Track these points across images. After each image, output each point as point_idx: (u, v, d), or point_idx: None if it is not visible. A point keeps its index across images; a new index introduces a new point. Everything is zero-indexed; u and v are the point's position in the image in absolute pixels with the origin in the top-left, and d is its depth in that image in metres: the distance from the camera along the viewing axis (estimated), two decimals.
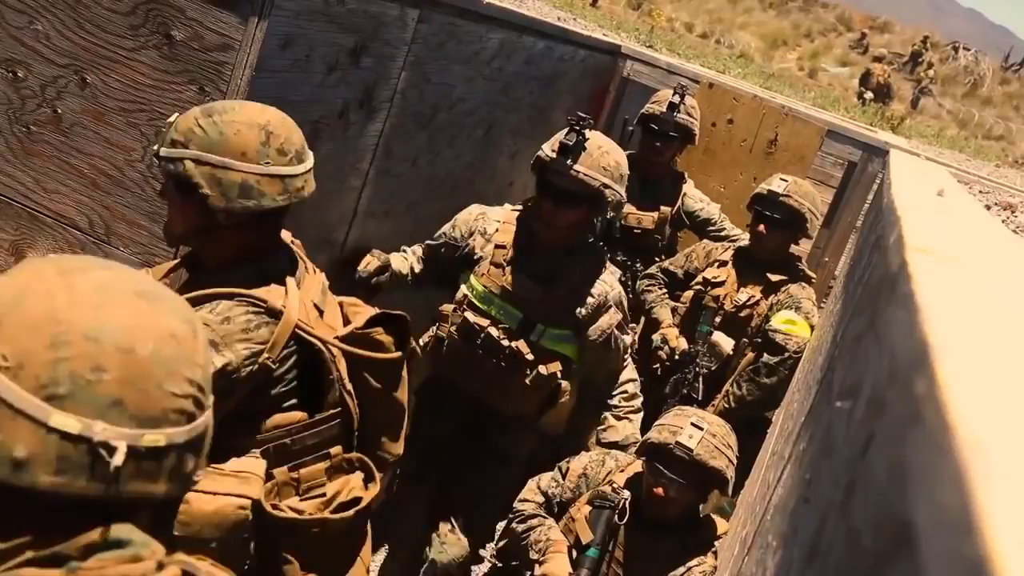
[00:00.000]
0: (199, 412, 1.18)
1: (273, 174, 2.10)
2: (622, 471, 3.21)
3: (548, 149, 3.16)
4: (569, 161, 3.08)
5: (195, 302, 2.01)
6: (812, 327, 4.11)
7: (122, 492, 1.10)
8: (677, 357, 4.26)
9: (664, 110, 4.64)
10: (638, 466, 3.16)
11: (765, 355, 4.12)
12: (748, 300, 4.25)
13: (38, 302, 1.08)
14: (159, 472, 1.13)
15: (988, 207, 9.73)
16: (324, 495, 2.25)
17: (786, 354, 4.05)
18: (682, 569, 3.00)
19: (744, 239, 4.59)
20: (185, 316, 1.20)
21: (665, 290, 4.52)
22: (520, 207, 3.34)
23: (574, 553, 3.08)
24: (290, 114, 2.52)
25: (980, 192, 10.40)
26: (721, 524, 3.14)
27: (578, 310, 3.22)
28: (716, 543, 3.05)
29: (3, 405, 1.05)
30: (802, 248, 4.65)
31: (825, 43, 30.40)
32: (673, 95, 4.66)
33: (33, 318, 1.07)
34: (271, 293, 2.15)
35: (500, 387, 3.28)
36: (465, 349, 3.25)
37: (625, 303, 3.39)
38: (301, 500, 2.21)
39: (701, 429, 2.98)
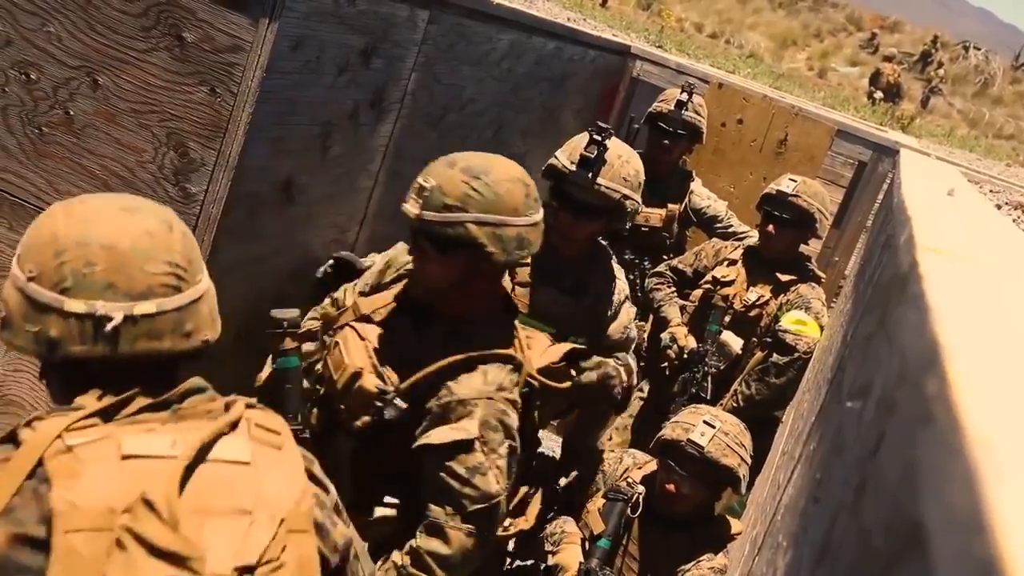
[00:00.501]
0: (184, 285, 1.56)
1: (535, 222, 2.37)
2: (639, 468, 3.23)
3: (566, 160, 3.04)
4: (591, 175, 2.97)
5: (461, 366, 2.32)
6: (822, 327, 4.10)
7: (133, 350, 1.49)
8: (686, 356, 4.26)
9: (672, 108, 4.64)
10: (655, 465, 3.18)
11: (775, 355, 4.12)
12: (758, 300, 4.25)
13: (47, 228, 1.52)
14: (160, 332, 1.52)
15: (999, 206, 9.69)
16: None
17: (796, 355, 4.04)
18: (691, 564, 3.01)
19: (752, 236, 4.58)
20: (162, 218, 1.59)
21: (674, 289, 4.52)
22: None
23: (587, 545, 3.10)
24: (301, 115, 2.54)
25: (991, 191, 10.37)
26: (735, 524, 3.14)
27: (607, 314, 3.17)
28: (729, 544, 3.05)
29: (33, 304, 1.48)
30: (812, 248, 4.64)
31: (835, 43, 30.31)
32: (681, 93, 4.67)
33: (43, 238, 1.51)
34: (514, 346, 2.44)
35: None
36: None
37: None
38: None
39: (713, 427, 3.00)
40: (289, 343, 2.11)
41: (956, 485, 0.46)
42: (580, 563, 3.03)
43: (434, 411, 2.31)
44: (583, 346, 2.79)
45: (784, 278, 4.24)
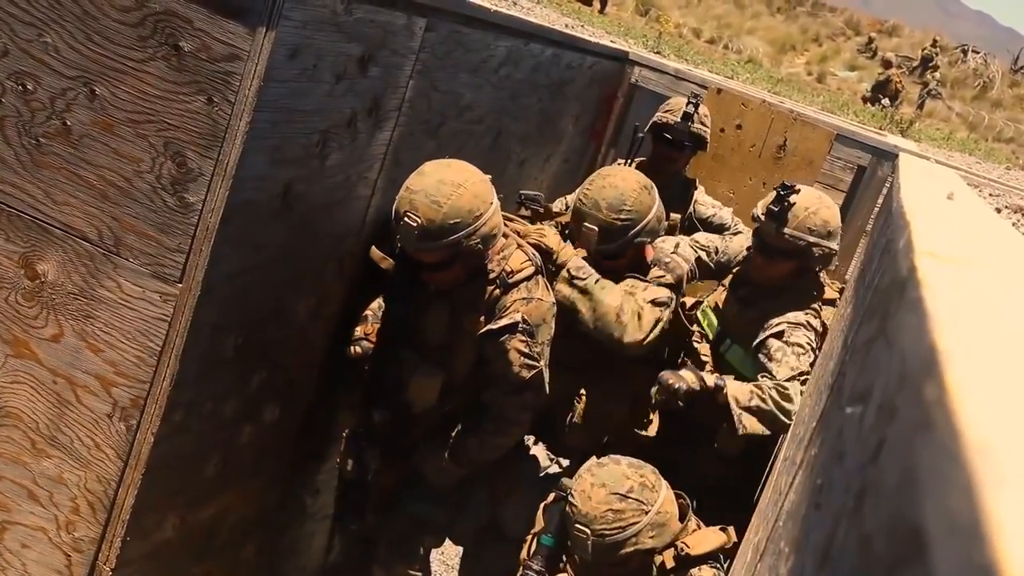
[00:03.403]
0: None
1: None
2: None
3: (759, 210, 3.74)
4: (777, 226, 3.68)
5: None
6: None
7: None
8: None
9: (679, 119, 4.64)
10: None
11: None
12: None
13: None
14: None
15: (999, 210, 9.69)
16: None
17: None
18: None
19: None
20: None
21: None
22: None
23: (533, 542, 3.09)
24: (298, 124, 2.53)
25: (990, 195, 10.37)
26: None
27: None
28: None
29: None
30: None
31: (833, 47, 30.36)
32: (687, 104, 4.66)
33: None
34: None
35: None
36: None
37: None
38: None
39: (585, 533, 2.86)
40: None
41: (956, 490, 0.45)
42: (522, 559, 3.01)
43: None
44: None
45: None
